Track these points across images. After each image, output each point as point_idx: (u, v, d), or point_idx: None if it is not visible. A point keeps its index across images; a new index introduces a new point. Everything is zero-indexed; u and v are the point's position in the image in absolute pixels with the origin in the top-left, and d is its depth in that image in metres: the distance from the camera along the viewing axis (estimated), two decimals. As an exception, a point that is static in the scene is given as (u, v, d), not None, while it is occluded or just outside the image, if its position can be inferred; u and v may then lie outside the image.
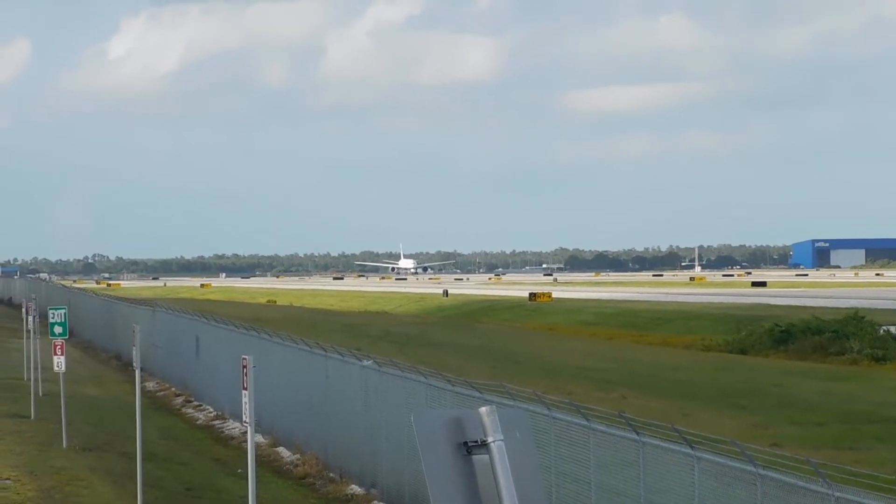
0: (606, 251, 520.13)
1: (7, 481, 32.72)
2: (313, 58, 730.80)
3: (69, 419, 40.67)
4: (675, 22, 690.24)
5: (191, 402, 57.89)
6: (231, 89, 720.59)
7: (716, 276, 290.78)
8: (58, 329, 42.02)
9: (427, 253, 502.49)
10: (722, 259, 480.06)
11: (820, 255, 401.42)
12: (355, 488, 36.64)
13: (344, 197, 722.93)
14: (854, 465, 21.35)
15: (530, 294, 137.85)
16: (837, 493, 18.35)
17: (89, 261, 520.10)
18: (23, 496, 31.09)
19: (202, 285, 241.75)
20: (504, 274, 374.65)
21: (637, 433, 23.44)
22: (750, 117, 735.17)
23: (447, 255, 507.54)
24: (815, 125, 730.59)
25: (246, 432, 22.60)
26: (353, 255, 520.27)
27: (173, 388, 62.48)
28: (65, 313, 42.88)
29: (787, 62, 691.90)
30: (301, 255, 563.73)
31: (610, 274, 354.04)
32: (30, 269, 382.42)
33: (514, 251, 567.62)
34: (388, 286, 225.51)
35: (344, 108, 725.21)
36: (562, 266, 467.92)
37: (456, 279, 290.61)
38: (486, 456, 5.89)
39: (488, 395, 29.44)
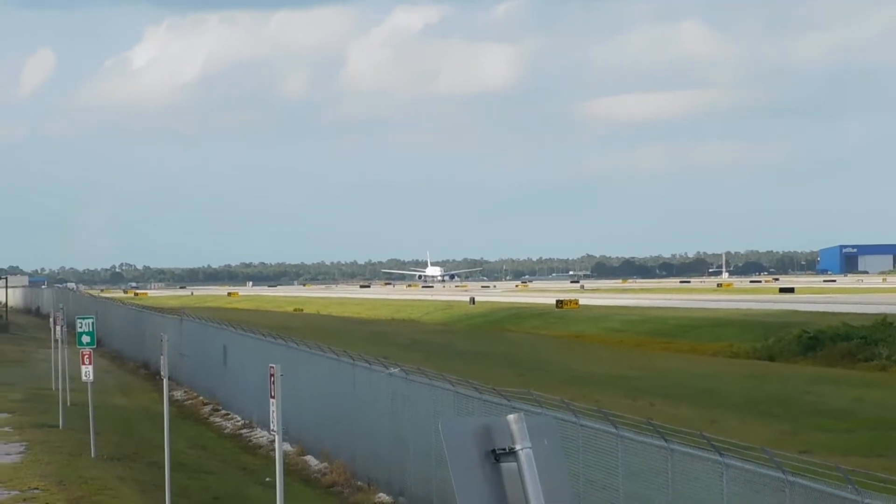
0: (633, 258, 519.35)
1: (36, 491, 32.80)
2: (335, 68, 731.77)
3: (97, 429, 40.77)
4: (694, 30, 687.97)
5: (218, 410, 57.98)
6: (254, 100, 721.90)
7: (743, 282, 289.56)
8: (86, 339, 42.13)
9: (454, 260, 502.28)
10: (749, 265, 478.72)
11: (848, 260, 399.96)
12: (383, 497, 36.64)
13: (371, 205, 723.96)
14: (884, 473, 21.23)
15: (557, 301, 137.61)
16: (867, 500, 18.26)
17: (116, 270, 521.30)
18: (52, 505, 31.17)
19: (229, 294, 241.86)
20: (531, 281, 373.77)
21: (665, 440, 23.37)
22: (776, 124, 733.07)
23: (474, 263, 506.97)
24: (841, 131, 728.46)
25: (274, 441, 22.61)
26: (380, 262, 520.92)
27: (201, 397, 62.61)
28: (93, 323, 42.99)
29: (811, 69, 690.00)
30: (328, 263, 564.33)
31: (637, 281, 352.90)
32: (57, 279, 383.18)
33: (540, 258, 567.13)
34: (415, 294, 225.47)
35: (369, 119, 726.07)
36: (588, 273, 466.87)
37: (483, 287, 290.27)
38: (515, 464, 5.86)
39: (516, 402, 29.39)
